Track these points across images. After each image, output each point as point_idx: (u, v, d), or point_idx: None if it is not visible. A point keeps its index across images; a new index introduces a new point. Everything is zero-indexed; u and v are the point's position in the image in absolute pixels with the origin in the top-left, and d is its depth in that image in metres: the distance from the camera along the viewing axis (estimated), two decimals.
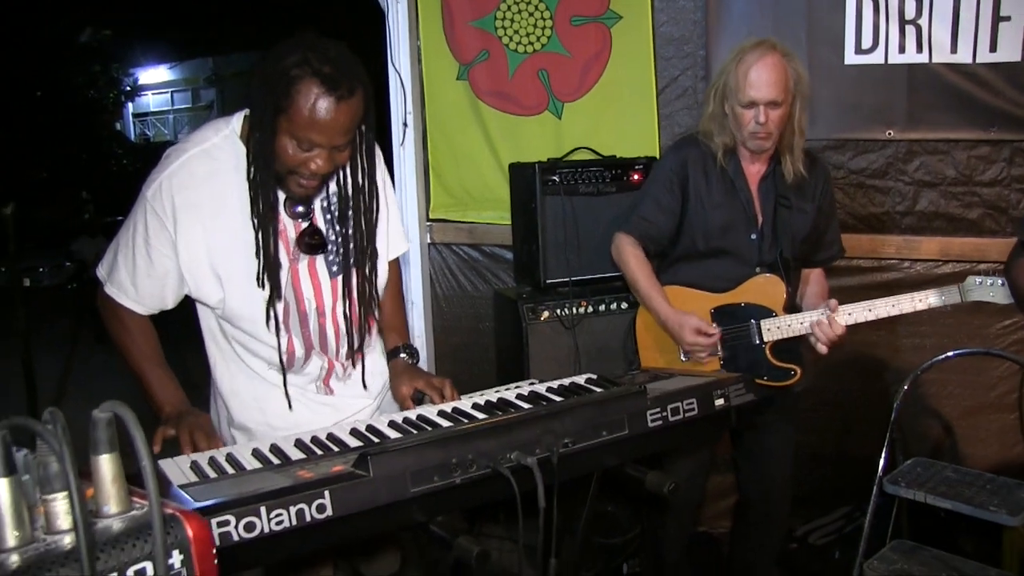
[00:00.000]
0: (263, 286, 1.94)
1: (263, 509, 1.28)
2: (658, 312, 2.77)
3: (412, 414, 1.86)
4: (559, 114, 3.78)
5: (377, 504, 1.39)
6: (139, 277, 1.98)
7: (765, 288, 2.75)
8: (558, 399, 1.88)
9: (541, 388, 2.01)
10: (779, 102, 2.59)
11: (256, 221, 1.90)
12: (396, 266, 2.33)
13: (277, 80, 1.78)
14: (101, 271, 2.05)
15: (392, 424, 1.79)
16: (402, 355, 2.23)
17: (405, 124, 3.88)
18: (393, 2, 3.79)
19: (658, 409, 1.75)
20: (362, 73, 1.85)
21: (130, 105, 20.36)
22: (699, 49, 3.56)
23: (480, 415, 1.81)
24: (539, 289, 3.34)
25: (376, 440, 1.70)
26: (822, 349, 2.66)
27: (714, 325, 2.72)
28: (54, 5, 16.06)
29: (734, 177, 2.76)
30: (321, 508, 1.33)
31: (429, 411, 1.87)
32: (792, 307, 2.79)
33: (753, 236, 2.76)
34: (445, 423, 1.78)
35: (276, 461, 1.60)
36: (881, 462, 3.01)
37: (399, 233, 2.30)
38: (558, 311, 3.25)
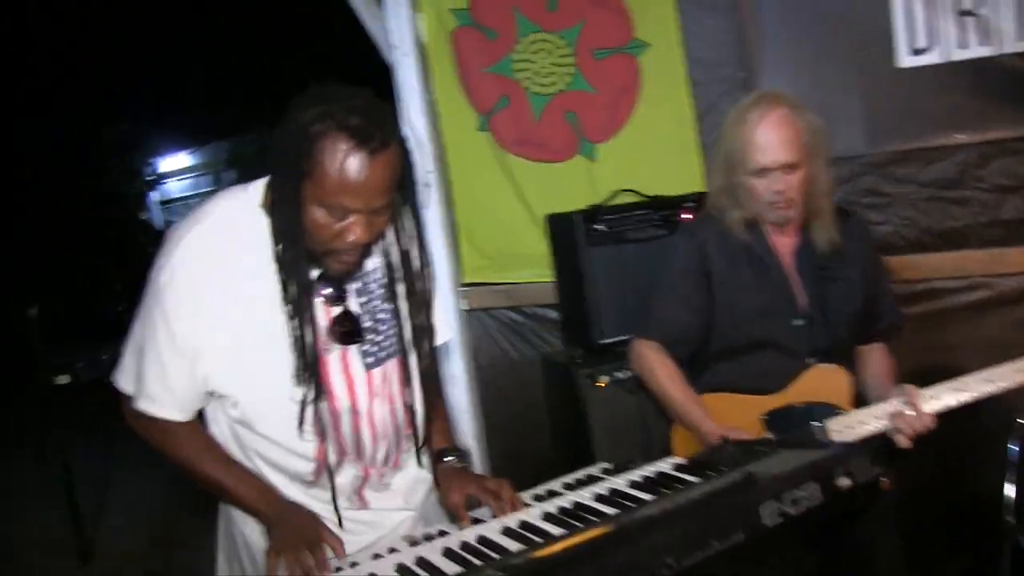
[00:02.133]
0: (306, 383, 1.65)
1: None
2: (698, 429, 2.28)
3: (470, 535, 1.52)
4: (592, 156, 3.49)
5: None
6: (171, 380, 1.68)
7: (823, 381, 2.32)
8: (647, 497, 1.54)
9: (622, 483, 1.66)
10: (795, 164, 2.22)
11: (290, 308, 1.61)
12: (434, 360, 2.03)
13: (297, 141, 1.51)
14: (125, 384, 1.74)
15: (448, 553, 1.46)
16: (449, 458, 1.90)
17: (427, 184, 3.60)
18: (400, 56, 3.53)
19: (773, 500, 1.41)
20: (394, 121, 1.59)
21: (153, 194, 20.41)
22: (737, 71, 3.25)
23: (554, 529, 1.47)
24: (593, 350, 3.01)
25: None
26: (904, 443, 2.17)
27: (768, 436, 2.27)
28: (68, 105, 16.21)
29: (762, 254, 2.36)
30: None
31: (490, 529, 1.53)
32: (857, 399, 2.36)
33: (797, 321, 2.34)
34: (513, 545, 1.44)
35: None
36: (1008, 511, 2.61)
37: (443, 318, 1.99)
38: (617, 374, 2.91)
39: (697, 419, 2.27)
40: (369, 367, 1.77)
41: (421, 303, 1.79)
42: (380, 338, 1.77)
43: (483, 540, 1.47)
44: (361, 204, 1.52)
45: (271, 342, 1.64)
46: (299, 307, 1.61)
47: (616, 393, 2.91)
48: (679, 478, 1.64)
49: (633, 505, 1.52)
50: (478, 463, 3.61)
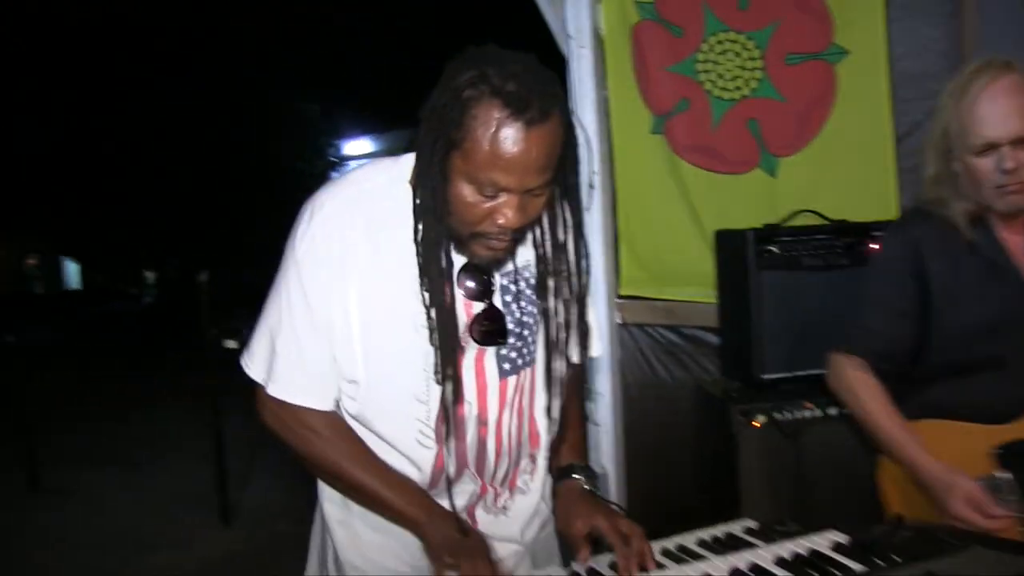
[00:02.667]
0: (444, 380, 1.47)
1: None
2: (913, 465, 1.94)
3: None
4: (773, 171, 3.18)
5: None
6: (309, 360, 1.51)
7: None
8: None
9: (767, 559, 1.39)
10: None
11: (428, 294, 1.44)
12: (579, 374, 1.81)
13: (447, 107, 1.33)
14: (256, 370, 1.58)
15: None
16: (576, 476, 1.67)
17: (591, 186, 3.39)
18: (576, 47, 3.34)
19: None
20: (558, 91, 1.38)
21: (334, 174, 21.24)
22: None
23: None
24: (753, 385, 2.72)
25: None
26: None
27: (1001, 475, 1.88)
28: (263, 81, 17.02)
29: (992, 254, 1.98)
30: None
31: None
32: None
33: None
34: None
35: None
36: None
37: (596, 327, 1.76)
38: (777, 415, 2.61)
39: (911, 454, 1.94)
40: (504, 374, 1.57)
41: (574, 302, 1.58)
42: (520, 343, 1.58)
43: None
44: (514, 182, 1.34)
45: (405, 331, 1.47)
46: (438, 294, 1.44)
47: (773, 436, 2.60)
48: (838, 563, 1.36)
49: None
50: (612, 490, 3.38)
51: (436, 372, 1.47)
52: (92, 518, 5.68)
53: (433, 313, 1.44)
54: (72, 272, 27.56)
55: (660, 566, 1.43)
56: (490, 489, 1.63)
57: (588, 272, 1.60)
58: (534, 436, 1.66)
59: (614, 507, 1.62)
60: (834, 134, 3.08)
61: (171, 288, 20.50)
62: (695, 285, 3.32)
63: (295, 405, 1.53)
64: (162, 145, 17.75)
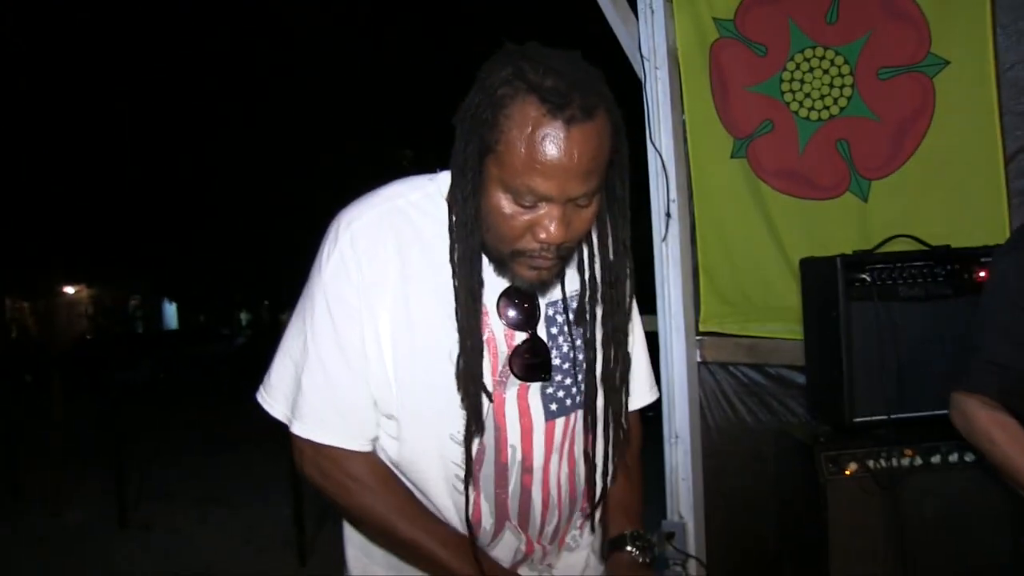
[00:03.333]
0: (470, 420, 1.30)
1: None
2: None
3: None
4: (865, 196, 2.93)
5: None
6: (342, 397, 1.34)
7: None
8: None
9: None
10: None
11: (459, 316, 1.27)
12: (637, 422, 1.61)
13: (481, 107, 1.19)
14: (278, 407, 1.40)
15: None
16: (629, 548, 1.46)
17: (668, 215, 3.19)
18: (652, 69, 3.15)
19: None
20: (604, 89, 1.22)
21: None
22: None
23: None
24: (843, 429, 2.44)
25: None
26: None
27: None
28: (359, 126, 17.36)
29: None
30: None
31: None
32: None
33: None
34: None
35: None
36: None
37: (646, 376, 1.59)
38: (871, 463, 2.33)
39: None
40: (551, 415, 1.38)
41: (622, 337, 1.38)
42: (570, 381, 1.39)
43: None
44: (554, 189, 1.17)
45: (440, 362, 1.30)
46: (469, 315, 1.27)
47: (865, 487, 2.33)
48: None
49: None
50: (691, 541, 3.12)
51: (463, 407, 1.29)
52: (175, 554, 5.72)
53: (463, 338, 1.27)
54: (170, 313, 28.41)
55: None
56: (537, 547, 1.44)
57: (632, 299, 1.40)
58: (587, 487, 1.46)
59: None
60: (933, 153, 2.81)
61: (262, 329, 20.95)
62: (780, 320, 3.07)
63: (329, 447, 1.36)
64: (257, 192, 18.28)
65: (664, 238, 3.21)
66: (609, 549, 1.48)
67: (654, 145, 3.23)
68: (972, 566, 2.04)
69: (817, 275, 2.57)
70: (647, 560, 1.46)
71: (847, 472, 2.34)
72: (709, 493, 3.21)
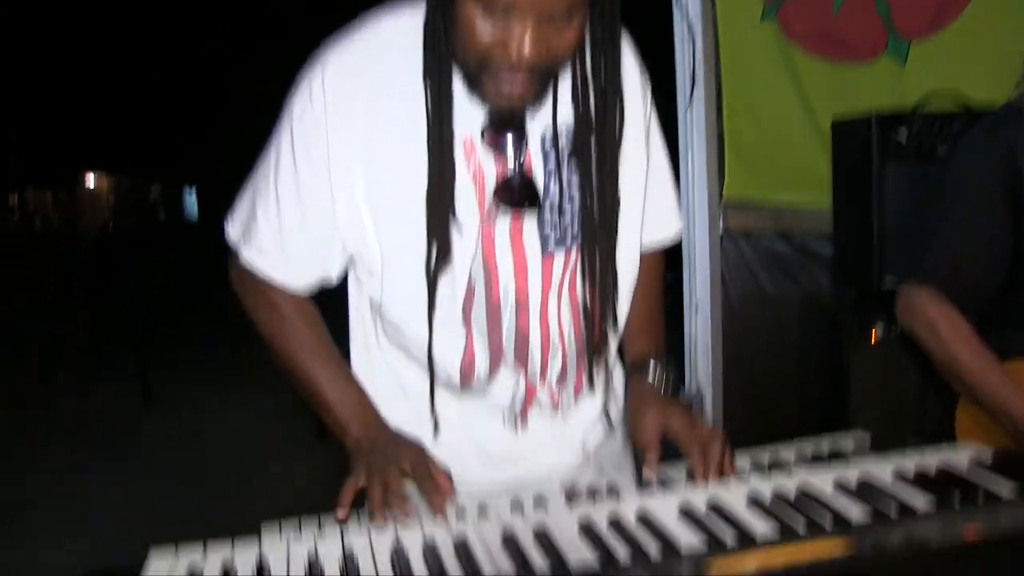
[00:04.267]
0: (436, 255, 1.21)
1: None
2: (1007, 410, 1.61)
3: (631, 507, 1.03)
4: (903, 58, 2.79)
5: None
6: (288, 233, 1.28)
7: None
8: (922, 504, 0.99)
9: (884, 473, 1.11)
10: None
11: (429, 135, 1.18)
12: (660, 256, 1.53)
13: None
14: (233, 230, 1.36)
15: (586, 531, 0.97)
16: (648, 374, 1.40)
17: (693, 81, 3.06)
18: None
19: None
20: None
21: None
22: None
23: (758, 525, 0.95)
24: (870, 295, 2.37)
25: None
26: None
27: None
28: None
29: None
30: None
31: (665, 506, 1.02)
32: None
33: None
34: (688, 537, 0.93)
35: None
36: None
37: (672, 207, 1.49)
38: (897, 328, 2.27)
39: (1006, 397, 1.60)
40: (548, 251, 1.28)
41: (612, 166, 1.26)
42: (566, 217, 1.29)
43: (646, 521, 0.98)
44: (527, 3, 1.06)
45: (418, 200, 1.21)
46: (438, 133, 1.17)
47: (891, 352, 2.28)
48: (981, 484, 1.06)
49: (896, 514, 0.97)
50: (708, 411, 3.10)
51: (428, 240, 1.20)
52: (202, 431, 5.82)
53: (431, 158, 1.17)
54: (191, 202, 28.35)
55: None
56: (541, 389, 1.35)
57: (622, 123, 1.27)
58: (596, 328, 1.35)
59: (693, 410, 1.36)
60: (978, 13, 2.68)
61: None
62: (808, 188, 2.98)
63: (264, 278, 1.32)
64: (280, 77, 17.95)
65: (689, 104, 3.09)
66: (631, 372, 1.43)
67: (680, 8, 3.08)
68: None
69: (850, 136, 2.47)
70: (667, 386, 1.40)
71: (874, 337, 2.28)
72: (728, 364, 3.17)
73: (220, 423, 5.97)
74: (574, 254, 1.30)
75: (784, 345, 2.95)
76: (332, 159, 1.22)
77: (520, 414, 1.36)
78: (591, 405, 1.42)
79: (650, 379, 1.40)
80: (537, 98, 1.18)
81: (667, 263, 1.60)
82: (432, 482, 1.13)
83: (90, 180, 28.66)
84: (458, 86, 1.18)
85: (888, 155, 2.29)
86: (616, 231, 1.28)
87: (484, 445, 1.37)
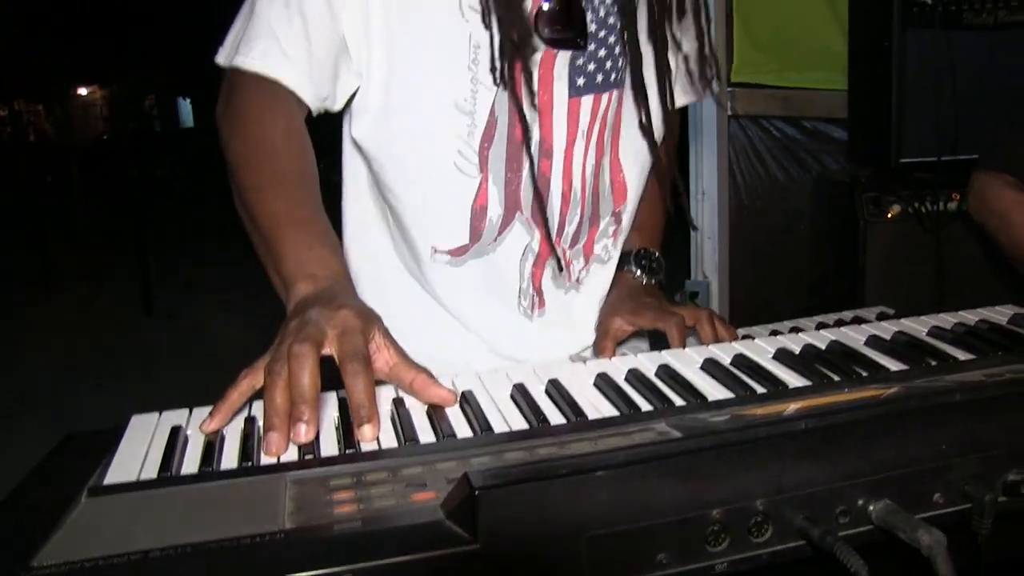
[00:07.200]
0: (500, 79, 1.06)
1: None
2: None
3: (652, 361, 0.93)
4: None
5: None
6: (295, 24, 1.08)
7: None
8: (963, 355, 0.91)
9: (919, 330, 1.03)
10: None
11: None
12: (677, 124, 1.41)
13: None
14: (223, 49, 1.14)
15: (605, 380, 0.88)
16: (633, 267, 1.31)
17: None
18: None
19: None
20: None
21: None
22: None
23: (792, 378, 0.88)
24: (888, 171, 2.27)
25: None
26: None
27: None
28: None
29: None
30: None
31: (686, 361, 0.93)
32: None
33: None
34: (717, 391, 0.86)
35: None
36: None
37: (697, 70, 1.31)
38: (916, 205, 2.18)
39: None
40: (577, 92, 1.15)
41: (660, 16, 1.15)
42: (605, 54, 1.16)
43: (669, 373, 0.90)
44: None
45: (450, 9, 1.08)
46: None
47: (909, 231, 2.19)
48: (1021, 333, 0.98)
49: (937, 362, 0.89)
50: (715, 302, 3.03)
51: (491, 68, 1.06)
52: (199, 339, 5.82)
53: None
54: (186, 111, 27.92)
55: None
56: (555, 251, 1.22)
57: None
58: (619, 186, 1.25)
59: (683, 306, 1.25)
60: None
61: None
62: (821, 67, 2.86)
63: (254, 76, 1.09)
64: None
65: None
66: (615, 269, 1.31)
67: None
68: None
69: (868, 1, 2.33)
70: (653, 281, 1.30)
71: (889, 215, 2.19)
72: (735, 252, 3.09)
73: (218, 329, 5.96)
74: (604, 101, 1.18)
75: (793, 232, 2.86)
76: None
77: (534, 281, 1.23)
78: (606, 275, 1.31)
79: (634, 270, 1.30)
80: None
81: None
82: (364, 377, 0.79)
83: (82, 92, 28.21)
84: None
85: (910, 19, 2.16)
86: (669, 69, 1.18)
87: (487, 330, 1.25)
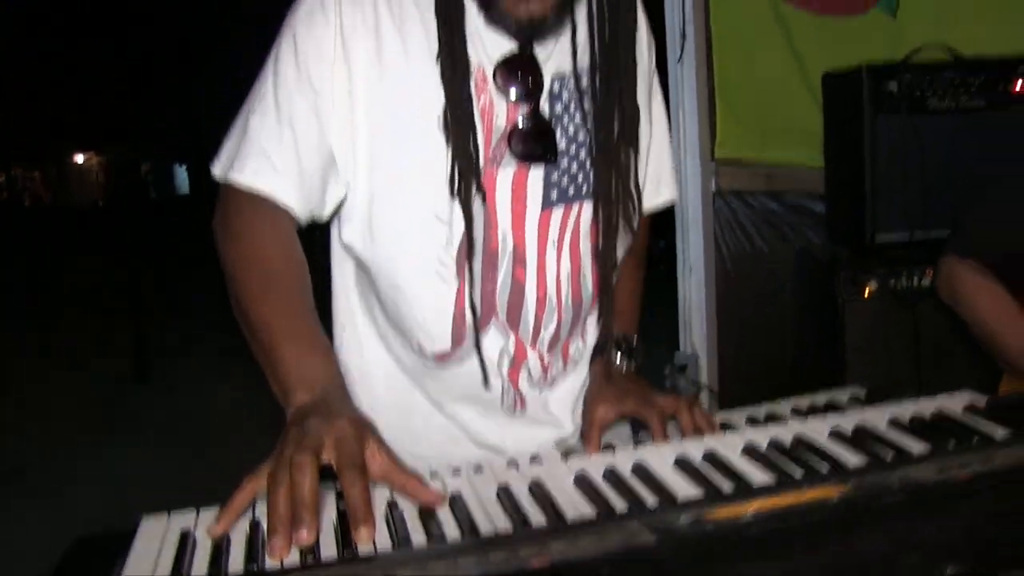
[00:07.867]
0: (455, 192, 1.13)
1: None
2: None
3: (629, 459, 0.99)
4: (893, 9, 2.76)
5: None
6: (285, 140, 1.14)
7: None
8: (916, 447, 0.98)
9: (878, 421, 1.10)
10: None
11: (443, 65, 1.11)
12: (646, 225, 1.47)
13: None
14: (219, 162, 1.19)
15: (581, 482, 0.95)
16: (613, 353, 1.34)
17: (683, 35, 3.03)
18: None
19: None
20: None
21: None
22: None
23: (755, 473, 0.94)
24: (863, 249, 2.36)
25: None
26: None
27: None
28: None
29: None
30: None
31: (658, 457, 1.00)
32: None
33: None
34: (686, 489, 0.92)
35: None
36: None
37: (669, 173, 1.43)
38: (891, 282, 2.27)
39: None
40: (547, 204, 1.21)
41: (629, 115, 1.21)
42: (576, 168, 1.23)
43: (642, 472, 0.97)
44: None
45: (428, 129, 1.14)
46: (454, 59, 1.11)
47: (885, 307, 2.27)
48: (976, 428, 1.05)
49: (890, 458, 0.96)
50: (703, 373, 3.09)
51: (449, 185, 1.12)
52: (195, 408, 5.82)
53: (448, 90, 1.11)
54: (182, 177, 28.28)
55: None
56: (532, 353, 1.27)
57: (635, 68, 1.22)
58: (593, 292, 1.30)
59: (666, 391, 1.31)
60: None
61: None
62: (800, 146, 2.95)
63: (247, 191, 1.14)
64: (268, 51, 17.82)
65: (679, 59, 3.05)
66: (592, 354, 1.35)
67: None
68: (989, 382, 1.99)
69: (841, 88, 2.44)
70: (631, 367, 1.34)
71: (867, 293, 2.27)
72: (722, 325, 3.15)
73: (212, 398, 5.97)
74: (575, 210, 1.24)
75: (778, 305, 2.93)
76: (337, 68, 1.14)
77: (511, 380, 1.28)
78: (579, 377, 1.36)
79: (612, 357, 1.34)
80: (556, 19, 1.15)
81: (657, 229, 1.57)
82: (360, 484, 0.85)
83: (79, 159, 28.49)
84: (474, 13, 1.14)
85: (880, 107, 2.27)
86: (638, 181, 1.24)
87: (472, 424, 1.30)
